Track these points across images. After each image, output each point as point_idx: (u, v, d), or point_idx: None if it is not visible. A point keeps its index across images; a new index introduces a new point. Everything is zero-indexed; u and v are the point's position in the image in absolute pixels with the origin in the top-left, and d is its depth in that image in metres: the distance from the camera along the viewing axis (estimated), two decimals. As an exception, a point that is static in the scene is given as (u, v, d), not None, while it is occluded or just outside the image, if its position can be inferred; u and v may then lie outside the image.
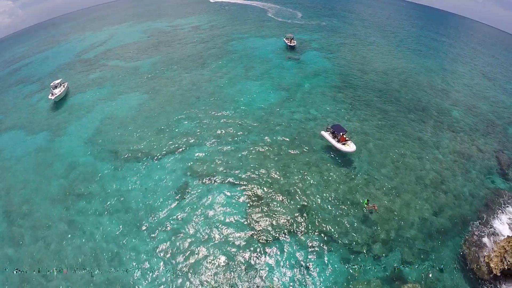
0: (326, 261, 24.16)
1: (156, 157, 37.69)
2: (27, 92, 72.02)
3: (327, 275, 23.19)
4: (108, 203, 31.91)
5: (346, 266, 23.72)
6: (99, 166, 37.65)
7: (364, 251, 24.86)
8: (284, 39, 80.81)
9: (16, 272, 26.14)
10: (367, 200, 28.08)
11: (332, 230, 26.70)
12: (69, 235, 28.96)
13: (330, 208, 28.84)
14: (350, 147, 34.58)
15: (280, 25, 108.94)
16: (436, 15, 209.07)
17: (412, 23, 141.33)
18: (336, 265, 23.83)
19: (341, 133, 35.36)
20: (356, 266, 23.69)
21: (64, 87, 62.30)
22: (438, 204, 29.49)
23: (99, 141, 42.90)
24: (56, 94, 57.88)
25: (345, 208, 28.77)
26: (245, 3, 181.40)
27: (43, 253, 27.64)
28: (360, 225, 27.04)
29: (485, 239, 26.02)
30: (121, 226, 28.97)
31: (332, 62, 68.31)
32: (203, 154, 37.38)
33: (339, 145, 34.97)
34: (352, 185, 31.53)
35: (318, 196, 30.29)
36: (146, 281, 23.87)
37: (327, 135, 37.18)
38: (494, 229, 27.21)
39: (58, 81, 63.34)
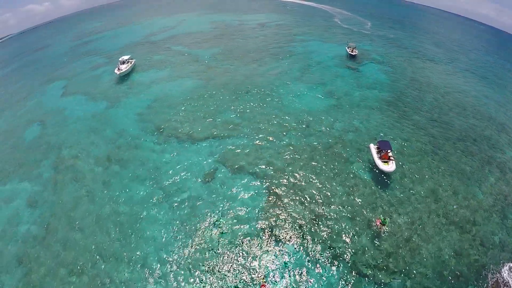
0: (327, 276, 24.23)
1: (195, 140, 41.05)
2: (94, 63, 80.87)
3: None
4: (143, 171, 35.95)
5: (346, 285, 23.55)
6: (143, 139, 42.20)
7: (369, 274, 24.40)
8: (346, 47, 79.77)
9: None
10: (384, 218, 27.61)
11: (342, 246, 26.64)
12: (101, 192, 33.53)
13: (347, 223, 28.73)
14: (388, 166, 33.62)
15: (346, 33, 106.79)
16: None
17: (485, 48, 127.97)
18: (338, 282, 23.75)
19: (385, 150, 34.85)
20: None
21: (131, 63, 68.24)
22: (461, 246, 27.42)
23: (149, 117, 47.73)
24: (122, 69, 63.71)
25: (362, 227, 28.36)
26: (315, 6, 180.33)
27: (76, 202, 32.63)
28: (372, 247, 26.56)
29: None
30: (148, 194, 32.64)
31: (390, 77, 65.59)
32: (239, 145, 39.54)
33: (378, 161, 34.44)
34: (376, 205, 30.77)
35: (338, 208, 30.31)
36: (157, 248, 26.77)
37: (373, 148, 36.90)
38: (515, 288, 24.41)
39: (127, 57, 69.56)
